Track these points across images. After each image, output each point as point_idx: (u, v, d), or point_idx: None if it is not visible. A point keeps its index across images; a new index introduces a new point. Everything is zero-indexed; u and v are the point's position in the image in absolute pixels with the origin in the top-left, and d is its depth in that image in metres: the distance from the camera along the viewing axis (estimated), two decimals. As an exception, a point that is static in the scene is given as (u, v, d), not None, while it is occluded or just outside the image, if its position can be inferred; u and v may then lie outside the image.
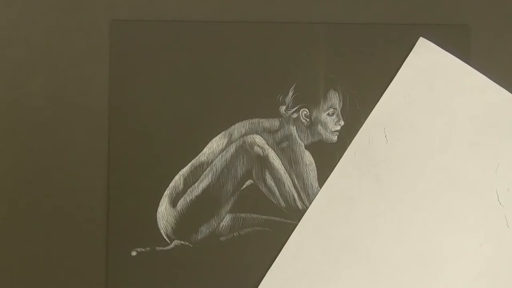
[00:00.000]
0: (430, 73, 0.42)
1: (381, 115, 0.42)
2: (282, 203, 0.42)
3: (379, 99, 0.42)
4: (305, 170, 0.42)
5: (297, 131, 0.43)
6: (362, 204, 0.41)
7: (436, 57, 0.42)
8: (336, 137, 0.42)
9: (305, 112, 0.42)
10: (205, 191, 0.42)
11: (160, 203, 0.42)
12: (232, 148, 0.42)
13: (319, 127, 0.43)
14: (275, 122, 0.42)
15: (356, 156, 0.42)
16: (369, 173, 0.42)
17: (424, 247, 0.41)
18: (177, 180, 0.42)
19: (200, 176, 0.42)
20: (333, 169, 0.42)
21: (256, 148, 0.42)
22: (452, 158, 0.41)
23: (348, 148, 0.42)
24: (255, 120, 0.42)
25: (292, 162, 0.42)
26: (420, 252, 0.41)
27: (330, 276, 0.41)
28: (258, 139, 0.42)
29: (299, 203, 0.42)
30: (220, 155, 0.42)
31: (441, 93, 0.42)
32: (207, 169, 0.42)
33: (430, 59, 0.42)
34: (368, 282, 0.41)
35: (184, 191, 0.42)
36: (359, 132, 0.42)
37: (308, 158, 0.42)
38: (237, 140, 0.42)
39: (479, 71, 0.42)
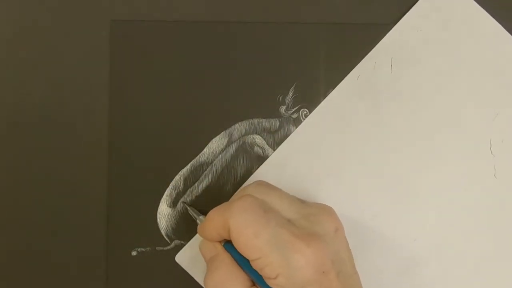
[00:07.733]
0: (446, 11, 0.42)
1: (390, 44, 0.42)
2: (282, 203, 0.42)
3: (379, 99, 0.42)
4: (305, 170, 0.42)
5: (297, 131, 0.43)
6: (355, 128, 0.41)
7: None
8: (336, 137, 0.42)
9: (305, 112, 0.42)
10: (205, 191, 0.42)
11: (160, 203, 0.42)
12: (232, 148, 0.42)
13: (319, 127, 0.43)
14: (275, 122, 0.42)
15: (358, 79, 0.42)
16: (369, 99, 0.41)
17: (408, 182, 0.41)
18: (177, 180, 0.42)
19: (200, 176, 0.42)
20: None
21: (256, 148, 0.42)
22: (452, 100, 0.41)
23: (352, 71, 0.42)
24: (255, 120, 0.42)
25: (292, 162, 0.42)
26: (402, 185, 0.41)
27: (312, 192, 0.41)
28: (258, 139, 0.42)
29: (299, 203, 0.42)
30: (220, 155, 0.42)
31: (453, 33, 0.42)
32: (207, 169, 0.42)
33: None
34: (347, 205, 0.41)
35: (184, 191, 0.42)
36: (366, 57, 0.42)
37: (308, 158, 0.42)
38: (237, 140, 0.42)
39: (496, 19, 0.42)
